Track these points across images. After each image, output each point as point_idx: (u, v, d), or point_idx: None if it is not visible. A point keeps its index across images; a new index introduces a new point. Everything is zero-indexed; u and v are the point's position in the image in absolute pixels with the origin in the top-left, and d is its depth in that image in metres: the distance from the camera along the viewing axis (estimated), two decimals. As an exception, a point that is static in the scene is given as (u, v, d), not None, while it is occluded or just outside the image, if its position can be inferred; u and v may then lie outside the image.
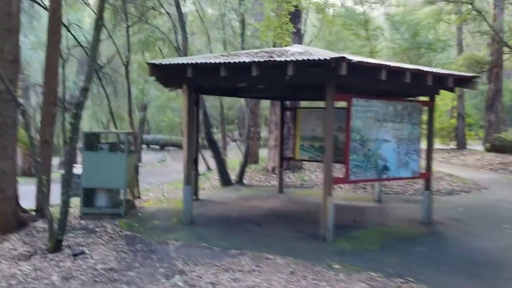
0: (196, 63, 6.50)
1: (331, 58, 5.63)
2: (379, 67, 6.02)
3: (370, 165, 6.72)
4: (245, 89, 9.52)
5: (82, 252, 5.55)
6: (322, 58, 5.75)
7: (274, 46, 11.66)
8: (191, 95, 7.37)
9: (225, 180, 11.39)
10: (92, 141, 7.95)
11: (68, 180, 5.69)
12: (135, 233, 6.67)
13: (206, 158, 15.64)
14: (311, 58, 5.81)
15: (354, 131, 6.53)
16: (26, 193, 8.04)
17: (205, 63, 6.41)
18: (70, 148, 5.73)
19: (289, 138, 11.55)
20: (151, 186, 12.77)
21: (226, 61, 6.27)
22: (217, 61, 6.37)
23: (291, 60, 5.86)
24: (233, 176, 11.86)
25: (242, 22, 11.98)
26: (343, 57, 5.60)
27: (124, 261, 5.29)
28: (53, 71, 7.88)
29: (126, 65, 9.60)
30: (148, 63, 6.91)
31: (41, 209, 7.58)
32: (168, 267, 5.10)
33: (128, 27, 9.37)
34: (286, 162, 11.95)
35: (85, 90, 5.80)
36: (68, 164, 5.65)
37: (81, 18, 16.99)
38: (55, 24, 7.94)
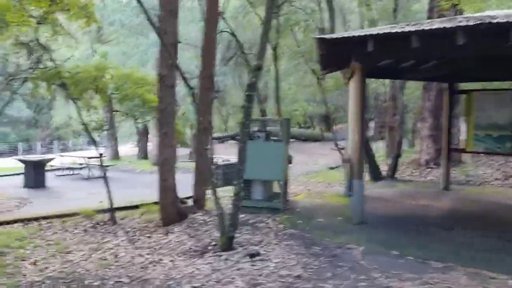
0: (380, 33, 5.43)
1: None
2: None
3: None
4: (410, 69, 8.20)
5: (258, 253, 4.88)
6: None
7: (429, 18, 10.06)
8: (363, 75, 6.30)
9: (375, 174, 10.20)
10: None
11: (240, 170, 5.07)
12: (302, 232, 5.88)
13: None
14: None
15: None
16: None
17: (393, 32, 5.30)
18: (243, 135, 5.08)
19: (452, 126, 9.88)
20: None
21: (420, 28, 5.10)
22: (407, 29, 5.22)
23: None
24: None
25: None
26: None
27: (309, 268, 4.48)
28: (209, 56, 7.47)
29: (275, 49, 8.91)
30: (317, 38, 6.02)
31: (198, 200, 7.24)
32: (367, 280, 4.14)
33: (278, 6, 8.65)
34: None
35: (258, 69, 5.10)
36: (241, 153, 5.02)
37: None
38: (212, 8, 7.51)
